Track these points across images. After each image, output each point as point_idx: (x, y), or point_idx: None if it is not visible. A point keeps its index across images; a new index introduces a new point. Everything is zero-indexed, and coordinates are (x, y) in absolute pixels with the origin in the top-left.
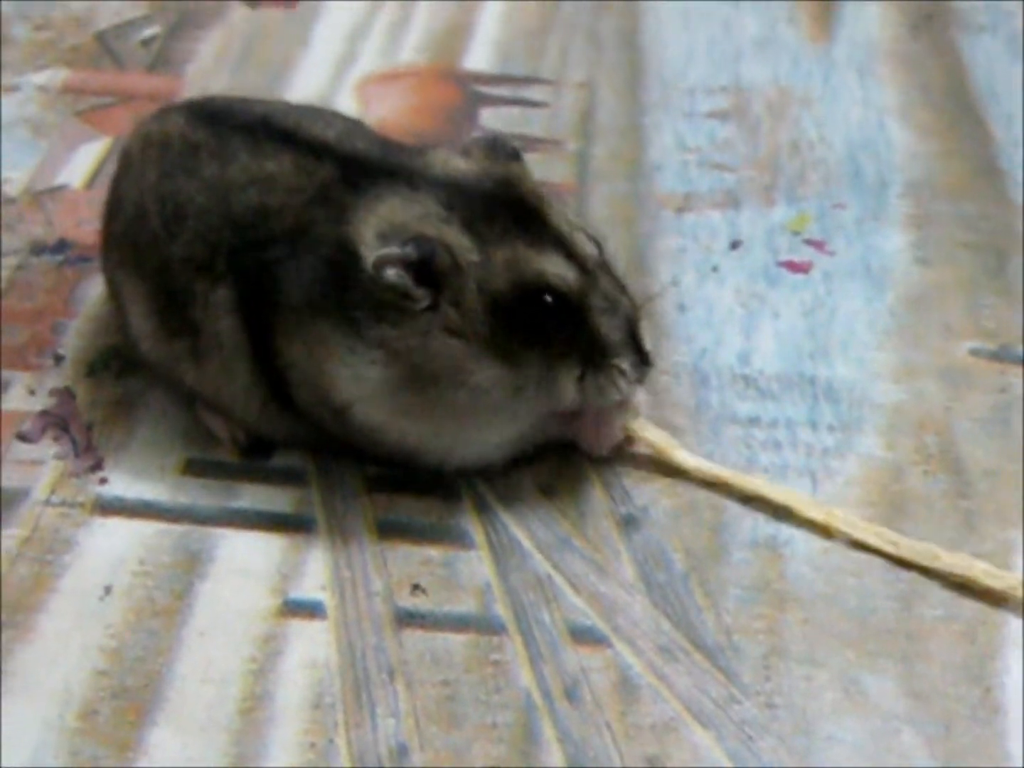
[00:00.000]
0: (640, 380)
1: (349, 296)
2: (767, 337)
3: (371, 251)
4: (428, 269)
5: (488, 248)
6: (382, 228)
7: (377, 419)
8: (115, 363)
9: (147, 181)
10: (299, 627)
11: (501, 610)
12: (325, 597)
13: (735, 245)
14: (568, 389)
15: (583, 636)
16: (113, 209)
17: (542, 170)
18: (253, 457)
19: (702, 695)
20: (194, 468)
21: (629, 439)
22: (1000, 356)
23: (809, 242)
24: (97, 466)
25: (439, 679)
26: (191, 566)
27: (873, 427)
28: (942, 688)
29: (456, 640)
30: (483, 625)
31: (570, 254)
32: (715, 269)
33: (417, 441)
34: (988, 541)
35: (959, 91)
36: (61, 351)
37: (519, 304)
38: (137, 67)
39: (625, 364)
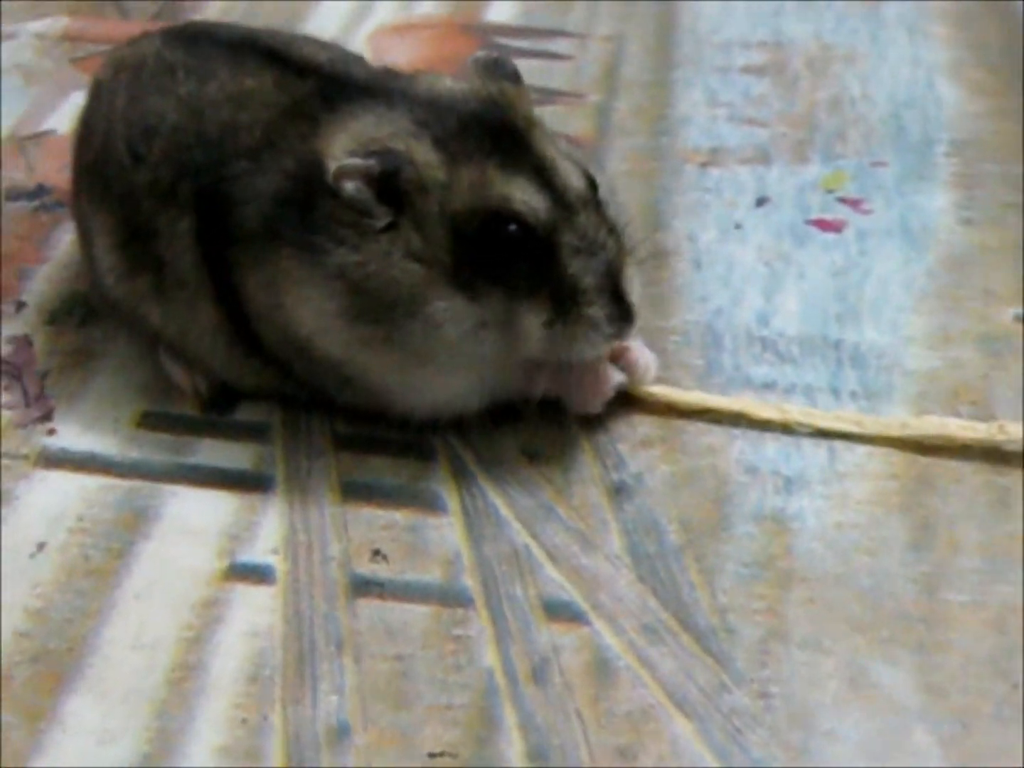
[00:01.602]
0: (618, 335)
1: (309, 219)
2: (790, 298)
3: (335, 163)
4: (391, 185)
5: (457, 167)
6: (349, 143)
7: (337, 353)
8: (79, 311)
9: (117, 106)
10: (244, 592)
11: (469, 581)
12: (276, 561)
13: (762, 202)
14: (533, 335)
15: (558, 612)
16: (82, 140)
17: (560, 123)
18: (216, 410)
19: (687, 681)
20: (150, 421)
21: (626, 399)
22: None
23: (844, 200)
24: (46, 416)
25: (392, 653)
26: (134, 524)
27: (902, 395)
28: (963, 682)
29: (416, 612)
30: (447, 597)
31: (547, 183)
32: (738, 226)
33: (380, 380)
34: (1018, 520)
35: (1015, 50)
36: (24, 298)
37: (482, 231)
38: (142, 17)
39: (598, 314)
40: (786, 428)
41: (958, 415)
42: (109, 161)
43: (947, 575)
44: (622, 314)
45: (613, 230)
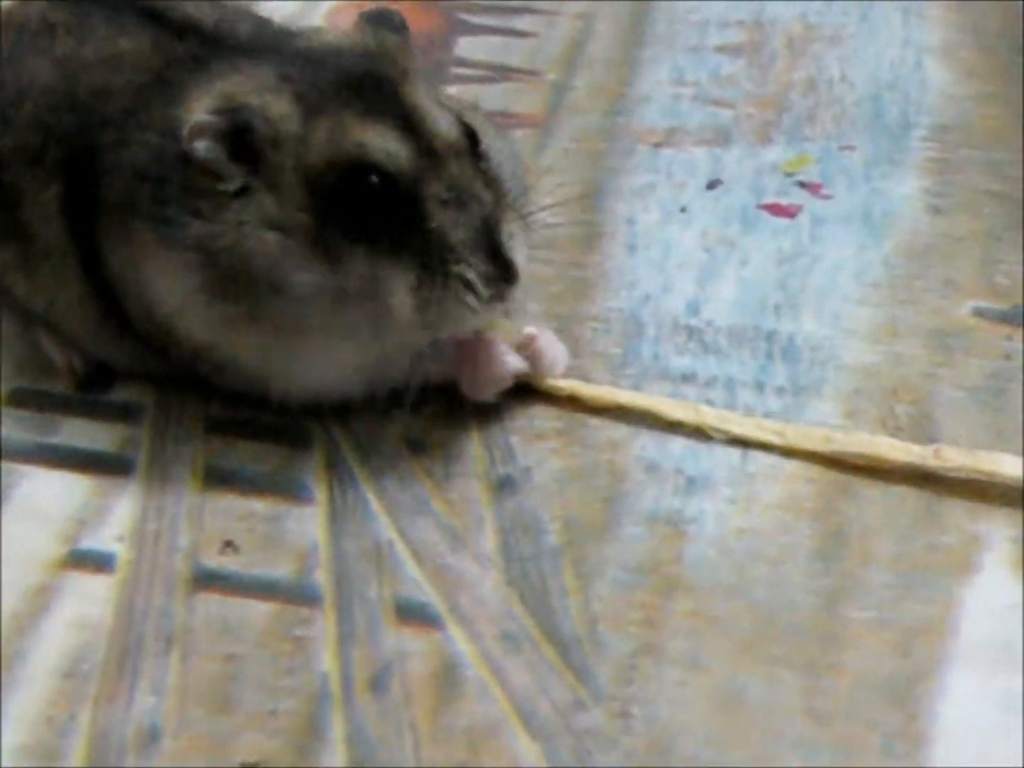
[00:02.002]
0: (498, 297)
1: (165, 191)
2: (727, 285)
3: (187, 123)
4: (244, 144)
5: (314, 119)
6: (209, 102)
7: (199, 334)
8: None
9: None
10: (79, 581)
11: (321, 578)
12: (120, 549)
13: (713, 185)
14: (401, 299)
15: (411, 615)
16: None
17: (510, 100)
18: (90, 389)
19: (540, 696)
20: (17, 398)
21: (527, 390)
22: (1009, 318)
23: (803, 184)
24: None
25: (224, 653)
26: None
27: (834, 391)
28: (850, 709)
29: (258, 609)
30: (295, 594)
31: (413, 131)
32: (683, 210)
33: (249, 363)
34: (950, 533)
35: (1013, 34)
36: None
37: (339, 185)
38: None
39: (471, 273)
40: (699, 432)
41: (893, 416)
42: None
43: (853, 589)
44: (500, 272)
45: (491, 184)
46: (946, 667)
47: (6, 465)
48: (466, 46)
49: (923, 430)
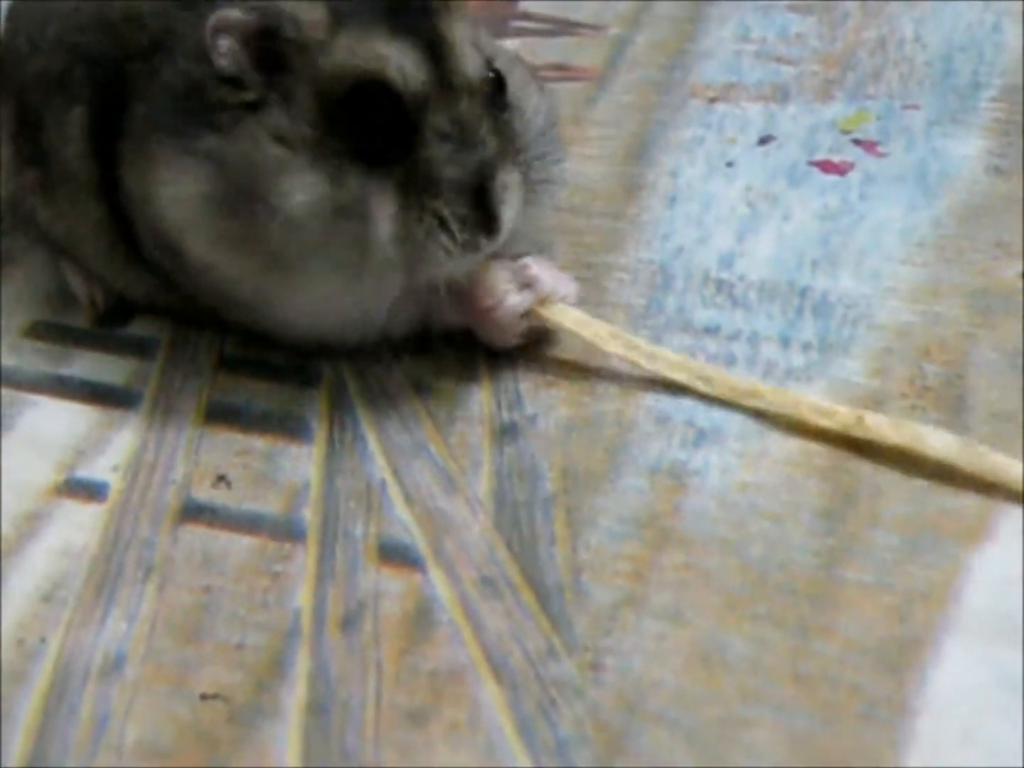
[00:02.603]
0: (473, 244)
1: (186, 105)
2: (766, 240)
3: (213, 18)
4: (270, 47)
5: (341, 28)
6: (239, 3)
7: (202, 253)
8: (9, 217)
9: None
10: (69, 509)
11: (308, 515)
12: (114, 479)
13: (764, 140)
14: (381, 228)
15: (393, 555)
16: (3, 32)
17: (569, 53)
18: (108, 323)
19: (513, 643)
20: (37, 331)
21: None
22: None
23: (858, 142)
24: None
25: (200, 584)
26: None
27: (863, 349)
28: (836, 673)
29: (240, 543)
30: (279, 530)
31: (434, 59)
32: (730, 164)
33: (249, 289)
34: (967, 496)
35: None
36: None
37: (348, 98)
38: None
39: (446, 211)
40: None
41: (923, 376)
42: (10, 49)
43: (854, 551)
44: (482, 220)
45: (503, 132)
46: (943, 636)
47: (15, 395)
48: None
49: (952, 390)
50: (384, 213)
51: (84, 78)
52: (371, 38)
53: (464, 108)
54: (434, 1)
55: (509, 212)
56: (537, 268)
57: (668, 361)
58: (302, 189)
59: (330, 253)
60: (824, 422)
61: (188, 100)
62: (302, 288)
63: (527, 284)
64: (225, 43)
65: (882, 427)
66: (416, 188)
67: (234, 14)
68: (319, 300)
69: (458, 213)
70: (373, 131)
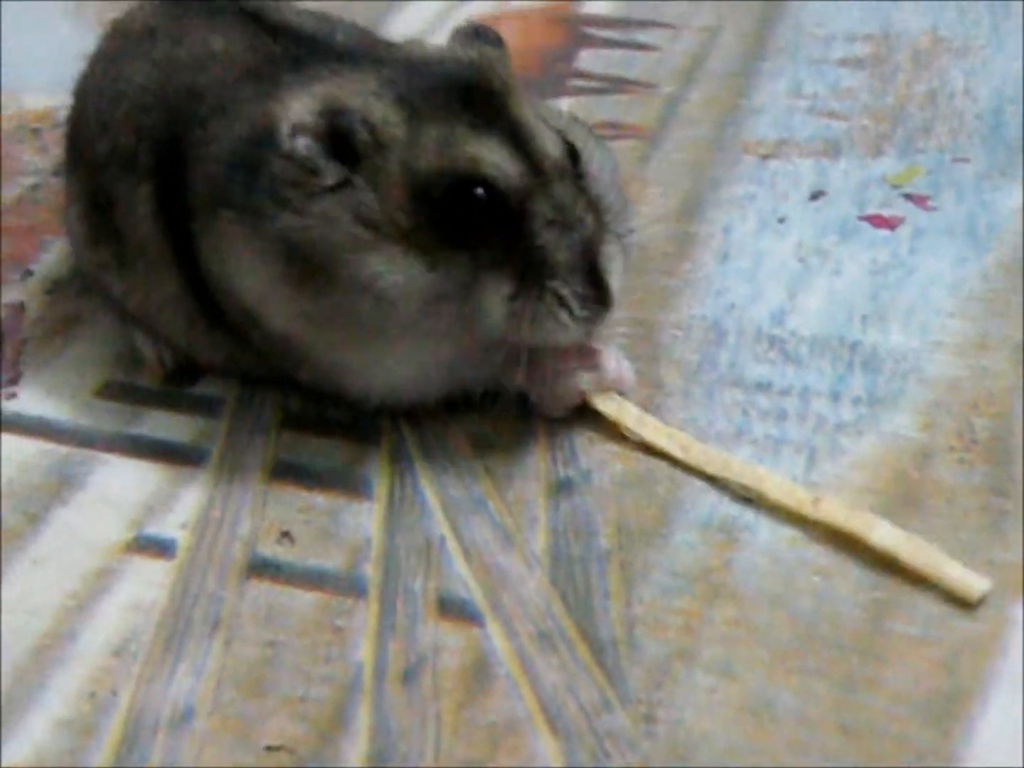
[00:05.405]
0: (592, 319)
1: (254, 182)
2: (817, 296)
3: (287, 121)
4: (344, 144)
5: (421, 125)
6: (308, 102)
7: (282, 325)
8: (79, 281)
9: (97, 72)
10: (140, 565)
11: (370, 571)
12: (182, 536)
13: (816, 196)
14: (495, 309)
15: (452, 610)
16: (72, 109)
17: (622, 111)
18: (176, 383)
19: (568, 695)
20: (108, 390)
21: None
22: None
23: (909, 196)
24: (13, 381)
25: (266, 639)
26: (57, 490)
27: (912, 403)
28: (884, 725)
29: (304, 598)
30: (342, 585)
31: (522, 148)
32: (782, 220)
33: (330, 358)
34: (1013, 549)
35: None
36: (33, 267)
37: (447, 194)
38: None
39: (566, 291)
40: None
41: (971, 430)
42: (81, 127)
43: (902, 604)
44: (597, 296)
45: (594, 205)
46: (989, 688)
47: (87, 453)
48: (587, 58)
49: (1000, 443)
50: (497, 296)
51: (148, 156)
52: (458, 135)
53: (560, 192)
54: (496, 84)
55: (617, 281)
56: (606, 356)
57: (653, 427)
58: (397, 272)
59: (426, 329)
60: (785, 500)
61: (251, 174)
62: (390, 359)
63: (594, 367)
64: (301, 142)
65: (836, 513)
66: (531, 273)
67: (307, 119)
68: (407, 368)
69: (576, 292)
70: (476, 224)
